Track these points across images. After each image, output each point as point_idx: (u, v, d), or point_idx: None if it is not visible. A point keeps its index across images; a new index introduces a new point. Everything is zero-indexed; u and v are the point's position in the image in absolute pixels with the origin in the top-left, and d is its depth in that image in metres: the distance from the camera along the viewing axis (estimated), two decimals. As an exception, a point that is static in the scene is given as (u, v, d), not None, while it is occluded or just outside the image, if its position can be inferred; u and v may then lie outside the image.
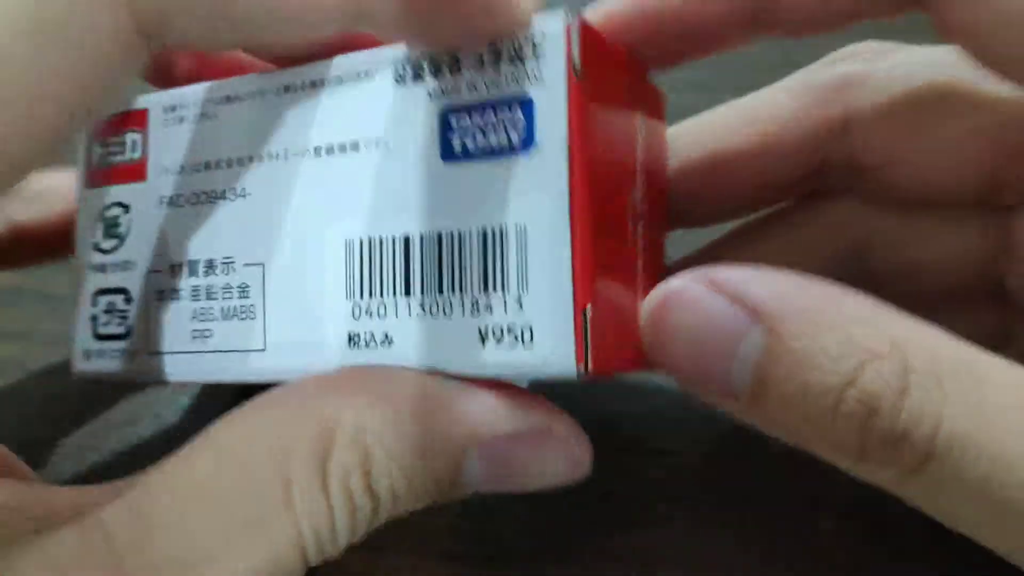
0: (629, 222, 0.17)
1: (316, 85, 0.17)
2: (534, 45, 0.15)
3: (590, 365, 0.14)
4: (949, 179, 0.18)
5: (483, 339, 0.15)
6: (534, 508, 0.20)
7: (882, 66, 0.18)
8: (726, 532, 0.20)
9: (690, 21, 0.17)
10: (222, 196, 0.17)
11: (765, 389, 0.14)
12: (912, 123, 0.18)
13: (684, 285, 0.14)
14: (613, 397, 0.22)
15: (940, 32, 0.16)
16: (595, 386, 0.22)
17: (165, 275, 0.18)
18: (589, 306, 0.14)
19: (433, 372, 0.15)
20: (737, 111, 0.19)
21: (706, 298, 0.14)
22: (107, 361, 0.18)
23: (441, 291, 0.15)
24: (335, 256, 0.16)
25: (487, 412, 0.15)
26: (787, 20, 0.17)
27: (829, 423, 0.13)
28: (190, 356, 0.17)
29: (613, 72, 0.16)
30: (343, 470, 0.13)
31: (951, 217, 0.18)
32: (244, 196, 0.17)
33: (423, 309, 0.15)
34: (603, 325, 0.14)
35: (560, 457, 0.15)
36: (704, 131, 0.19)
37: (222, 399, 0.22)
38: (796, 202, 0.20)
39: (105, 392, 0.23)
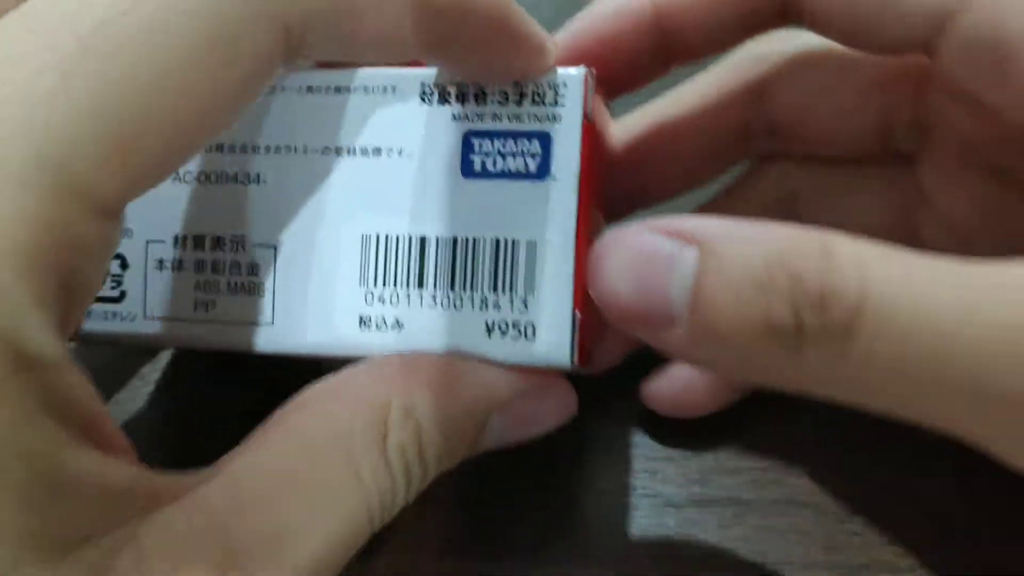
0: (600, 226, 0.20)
1: (340, 91, 0.19)
2: (556, 91, 0.17)
3: (578, 359, 0.17)
4: (849, 129, 0.21)
5: (489, 331, 0.17)
6: (532, 504, 0.21)
7: (790, 43, 0.21)
8: (720, 530, 0.21)
9: (609, 62, 0.20)
10: (233, 179, 0.19)
11: (702, 302, 0.14)
12: (812, 84, 0.21)
13: (621, 230, 0.16)
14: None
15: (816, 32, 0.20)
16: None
17: (167, 246, 0.19)
18: (578, 312, 0.17)
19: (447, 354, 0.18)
20: (672, 93, 0.22)
21: (643, 234, 0.15)
22: (97, 322, 0.19)
23: (453, 287, 0.18)
24: (351, 247, 0.18)
25: (502, 381, 0.17)
26: (691, 49, 0.20)
27: (763, 309, 0.14)
28: (192, 324, 0.19)
29: (602, 107, 0.19)
30: (399, 446, 0.16)
31: (866, 170, 0.21)
32: (258, 182, 0.19)
33: (434, 301, 0.18)
34: (588, 321, 0.18)
35: (556, 407, 0.18)
36: (646, 113, 0.22)
37: (226, 393, 0.23)
38: (738, 179, 0.23)
39: (101, 381, 0.23)
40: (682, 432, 0.22)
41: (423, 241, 0.18)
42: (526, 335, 0.17)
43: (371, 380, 0.17)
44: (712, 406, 0.22)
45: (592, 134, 0.18)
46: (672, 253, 0.15)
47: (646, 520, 0.21)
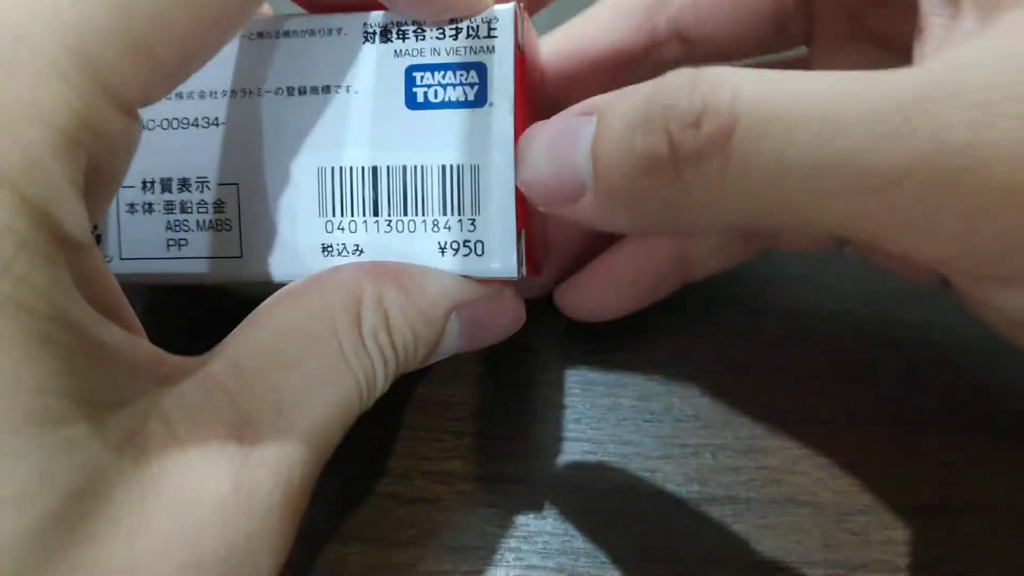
0: None
1: (288, 35, 0.20)
2: (489, 25, 0.19)
3: (525, 270, 0.19)
4: (746, 24, 0.22)
5: (442, 250, 0.19)
6: (531, 504, 0.22)
7: None
8: (719, 528, 0.21)
9: None
10: (194, 123, 0.20)
11: (598, 161, 0.16)
12: None
13: (548, 120, 0.17)
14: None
15: None
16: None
17: (136, 191, 0.20)
18: (522, 226, 0.19)
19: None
20: (586, 9, 0.24)
21: (557, 117, 0.17)
22: (77, 265, 0.20)
23: (406, 212, 0.19)
24: (308, 181, 0.19)
25: (462, 285, 0.19)
26: None
27: (641, 145, 0.15)
28: (167, 261, 0.20)
29: (532, 34, 0.21)
30: (372, 329, 0.17)
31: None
32: (217, 124, 0.20)
33: (390, 226, 0.19)
34: (531, 239, 0.19)
35: (508, 313, 0.20)
36: (566, 29, 0.24)
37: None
38: None
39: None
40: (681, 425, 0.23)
41: (375, 171, 0.19)
42: (476, 251, 0.19)
43: (345, 276, 0.18)
44: (616, 311, 0.23)
45: (523, 62, 0.19)
46: (579, 126, 0.16)
47: (645, 519, 0.21)
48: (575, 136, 0.16)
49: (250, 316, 0.18)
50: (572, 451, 0.23)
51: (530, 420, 0.23)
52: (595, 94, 0.23)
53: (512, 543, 0.21)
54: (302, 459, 0.16)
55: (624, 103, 0.15)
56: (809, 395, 0.23)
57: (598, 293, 0.23)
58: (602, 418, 0.23)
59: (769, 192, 0.14)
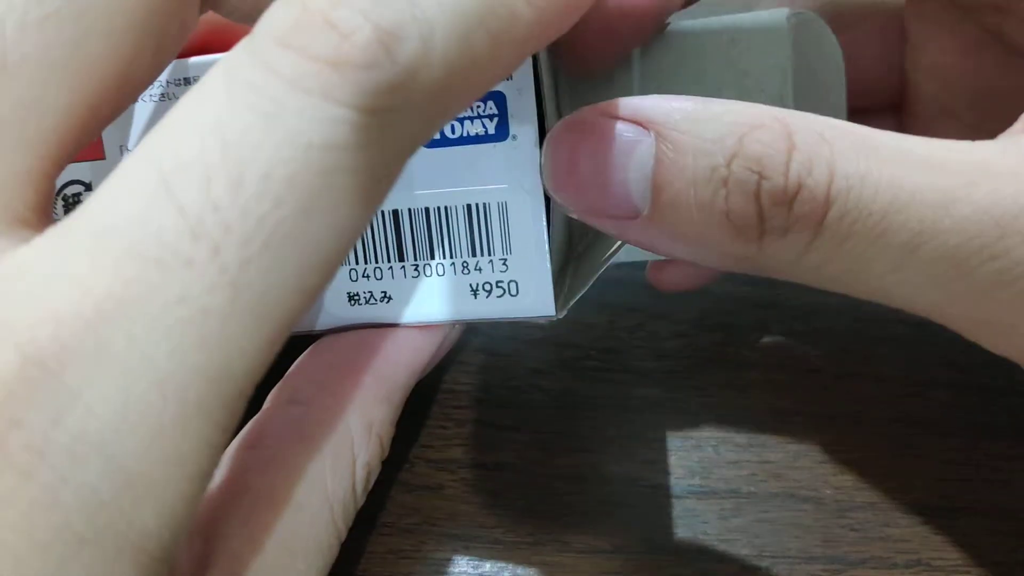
0: None
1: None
2: None
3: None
4: None
5: (475, 292, 0.18)
6: (532, 494, 0.22)
7: None
8: (719, 522, 0.21)
9: None
10: None
11: (661, 192, 0.14)
12: None
13: (581, 116, 0.15)
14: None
15: None
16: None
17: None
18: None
19: (425, 325, 0.19)
20: None
21: (602, 121, 0.14)
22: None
23: (432, 256, 0.18)
24: None
25: (425, 350, 0.19)
26: None
27: (723, 204, 0.13)
28: None
29: None
30: (367, 465, 0.17)
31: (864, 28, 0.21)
32: None
33: (417, 271, 0.18)
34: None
35: (448, 349, 0.21)
36: None
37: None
38: None
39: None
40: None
41: (396, 215, 0.18)
42: (510, 292, 0.18)
43: (329, 409, 0.17)
44: (708, 280, 0.23)
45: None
46: (630, 141, 0.14)
47: (646, 511, 0.21)
48: (625, 152, 0.14)
49: (232, 477, 0.16)
50: (574, 441, 0.22)
51: (533, 409, 0.23)
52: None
53: (512, 534, 0.21)
54: None
55: (696, 139, 0.14)
56: (811, 391, 0.23)
57: (696, 268, 0.22)
58: (605, 409, 0.23)
59: (853, 278, 0.14)
